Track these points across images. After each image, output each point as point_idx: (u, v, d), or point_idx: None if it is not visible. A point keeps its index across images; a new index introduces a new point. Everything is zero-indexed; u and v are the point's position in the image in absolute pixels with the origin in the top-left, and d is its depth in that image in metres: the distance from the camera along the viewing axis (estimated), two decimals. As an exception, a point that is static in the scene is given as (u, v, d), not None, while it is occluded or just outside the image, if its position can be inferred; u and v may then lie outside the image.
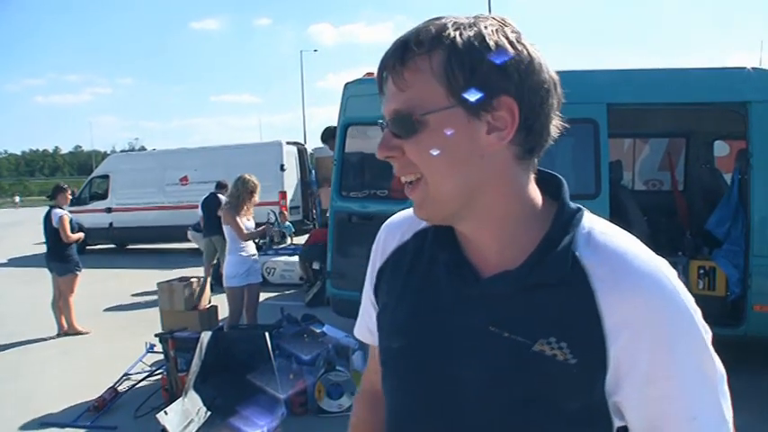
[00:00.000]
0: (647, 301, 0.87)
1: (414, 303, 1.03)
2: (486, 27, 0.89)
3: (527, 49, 0.90)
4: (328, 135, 8.04)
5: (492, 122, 0.89)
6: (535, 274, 0.92)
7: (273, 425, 4.42)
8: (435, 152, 0.89)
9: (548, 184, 1.00)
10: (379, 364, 1.14)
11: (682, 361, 0.88)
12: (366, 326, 1.21)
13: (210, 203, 9.64)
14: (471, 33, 0.88)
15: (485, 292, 0.95)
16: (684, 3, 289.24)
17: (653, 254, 0.93)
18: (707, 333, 0.90)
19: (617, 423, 0.95)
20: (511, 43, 0.89)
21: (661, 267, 0.91)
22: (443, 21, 0.91)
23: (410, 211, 1.13)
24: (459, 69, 0.87)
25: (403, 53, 0.89)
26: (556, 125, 0.95)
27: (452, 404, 0.97)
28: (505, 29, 0.90)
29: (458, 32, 0.88)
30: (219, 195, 9.54)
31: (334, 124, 7.70)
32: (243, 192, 6.08)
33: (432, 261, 1.04)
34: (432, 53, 0.88)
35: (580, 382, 0.90)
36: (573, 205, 0.97)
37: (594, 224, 0.96)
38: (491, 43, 0.88)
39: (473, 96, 0.88)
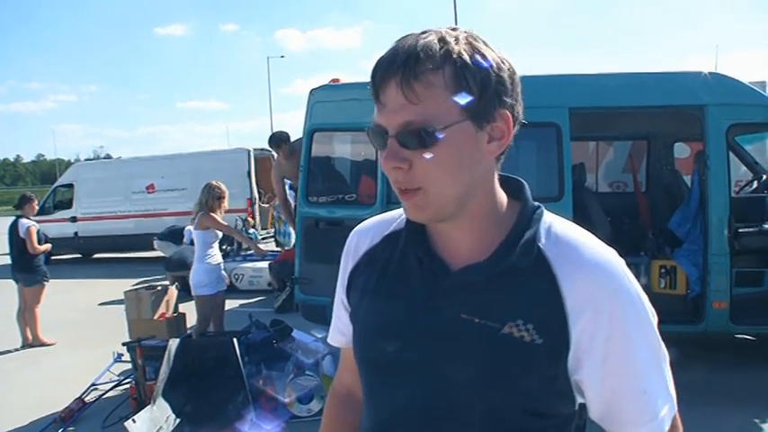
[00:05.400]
0: (605, 285, 0.97)
1: (389, 302, 1.07)
2: (477, 40, 0.96)
3: (509, 62, 0.98)
4: (278, 140, 7.52)
5: (491, 133, 0.97)
6: (503, 263, 0.99)
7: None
8: (449, 163, 0.95)
9: (510, 185, 1.08)
10: (354, 364, 1.17)
11: (634, 339, 0.97)
12: (339, 330, 1.24)
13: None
14: (473, 50, 0.94)
15: (455, 282, 1.02)
16: (642, 6, 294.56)
17: (604, 244, 1.03)
18: (654, 316, 1.00)
19: (579, 400, 1.03)
20: (503, 59, 0.97)
21: (613, 255, 1.01)
22: (440, 35, 0.95)
23: (379, 217, 1.21)
24: (473, 86, 0.93)
25: (415, 66, 0.92)
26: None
27: (437, 397, 1.02)
28: (488, 44, 0.97)
29: (461, 49, 0.93)
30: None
31: (282, 130, 7.75)
32: (210, 198, 6.06)
33: (403, 260, 1.09)
34: (444, 68, 0.92)
35: (547, 361, 0.97)
36: (534, 203, 1.06)
37: (553, 220, 1.05)
38: (493, 59, 0.95)
39: (484, 110, 0.95)
